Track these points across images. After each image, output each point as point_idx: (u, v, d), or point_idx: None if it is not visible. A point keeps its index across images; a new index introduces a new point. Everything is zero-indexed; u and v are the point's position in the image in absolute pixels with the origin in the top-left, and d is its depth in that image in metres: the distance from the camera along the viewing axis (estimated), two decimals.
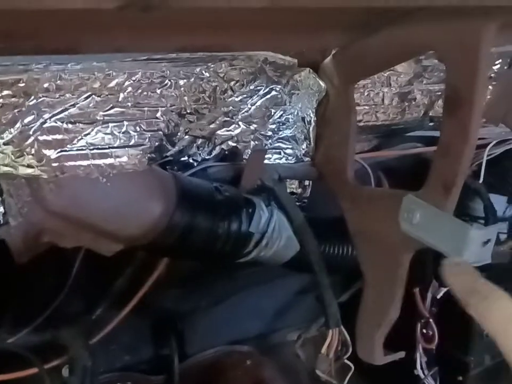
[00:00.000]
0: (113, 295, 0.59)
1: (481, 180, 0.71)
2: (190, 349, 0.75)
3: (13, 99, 0.42)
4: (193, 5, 0.27)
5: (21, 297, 0.59)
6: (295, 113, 0.59)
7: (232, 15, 0.34)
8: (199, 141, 0.56)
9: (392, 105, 0.66)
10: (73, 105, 0.44)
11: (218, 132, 0.56)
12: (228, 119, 0.56)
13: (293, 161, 0.61)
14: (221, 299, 0.72)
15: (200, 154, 0.57)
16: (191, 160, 0.57)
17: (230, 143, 0.57)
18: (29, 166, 0.44)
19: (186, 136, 0.54)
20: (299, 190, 0.63)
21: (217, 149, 0.57)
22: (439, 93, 0.68)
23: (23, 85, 0.42)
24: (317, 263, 0.56)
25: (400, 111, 0.67)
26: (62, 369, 0.60)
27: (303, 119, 0.60)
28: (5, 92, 0.42)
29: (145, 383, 0.71)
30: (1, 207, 0.46)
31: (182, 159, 0.56)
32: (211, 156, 0.57)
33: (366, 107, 0.64)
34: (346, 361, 0.58)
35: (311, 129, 0.60)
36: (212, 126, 0.55)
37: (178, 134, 0.53)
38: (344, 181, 0.57)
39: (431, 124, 0.71)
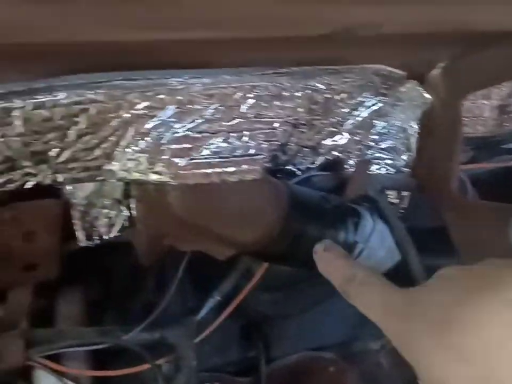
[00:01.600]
0: (218, 297, 0.61)
1: None
2: (275, 352, 0.76)
3: (150, 110, 0.45)
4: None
5: (131, 296, 0.61)
6: (398, 124, 0.60)
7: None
8: (305, 150, 0.57)
9: (491, 117, 0.66)
10: (201, 116, 0.47)
11: (324, 142, 0.58)
12: (334, 129, 0.57)
13: (391, 172, 0.62)
14: (310, 306, 0.73)
15: (304, 163, 0.58)
16: (295, 169, 0.59)
17: (334, 153, 0.59)
18: (158, 173, 0.46)
19: (295, 146, 0.56)
20: (397, 201, 0.64)
21: (321, 158, 0.59)
22: None
23: (161, 96, 0.44)
24: (419, 273, 0.56)
25: (498, 123, 0.67)
26: (162, 367, 0.62)
27: (405, 130, 0.60)
28: (145, 104, 0.44)
29: None
30: (130, 211, 0.48)
31: (287, 167, 0.58)
32: (315, 165, 0.59)
33: (466, 119, 0.64)
34: None
35: (413, 140, 0.61)
36: (318, 136, 0.57)
37: (290, 144, 0.54)
38: (448, 192, 0.57)
39: None
